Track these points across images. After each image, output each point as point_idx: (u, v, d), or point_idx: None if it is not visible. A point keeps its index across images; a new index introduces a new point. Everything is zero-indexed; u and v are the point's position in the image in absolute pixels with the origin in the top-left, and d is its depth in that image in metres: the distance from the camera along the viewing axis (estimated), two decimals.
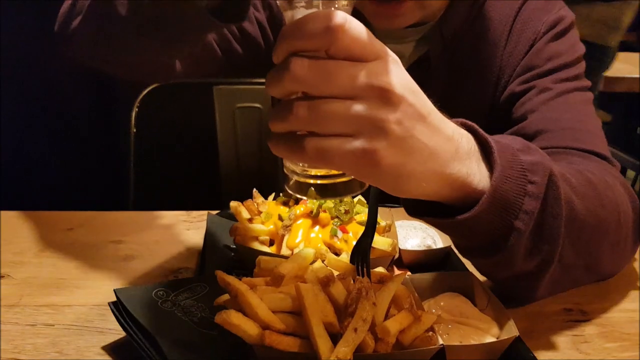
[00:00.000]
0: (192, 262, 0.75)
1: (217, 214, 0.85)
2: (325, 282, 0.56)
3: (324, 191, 0.48)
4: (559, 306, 0.72)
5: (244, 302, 0.53)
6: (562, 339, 0.65)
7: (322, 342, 0.50)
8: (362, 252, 0.60)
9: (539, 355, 0.58)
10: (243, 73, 1.02)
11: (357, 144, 0.43)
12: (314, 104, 0.42)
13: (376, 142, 0.43)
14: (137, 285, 0.62)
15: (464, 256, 0.64)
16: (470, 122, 0.55)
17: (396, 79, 0.44)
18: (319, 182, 0.47)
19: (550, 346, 0.63)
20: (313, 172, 0.47)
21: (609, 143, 0.83)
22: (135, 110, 1.34)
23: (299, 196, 0.49)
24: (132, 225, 0.86)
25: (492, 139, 0.54)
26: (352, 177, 0.48)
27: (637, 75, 2.37)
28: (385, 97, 0.43)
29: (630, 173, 2.88)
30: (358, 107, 0.42)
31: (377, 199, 0.62)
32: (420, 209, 0.56)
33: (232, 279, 0.54)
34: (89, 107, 1.57)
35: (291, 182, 0.49)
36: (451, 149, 0.49)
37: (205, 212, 0.86)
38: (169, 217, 0.89)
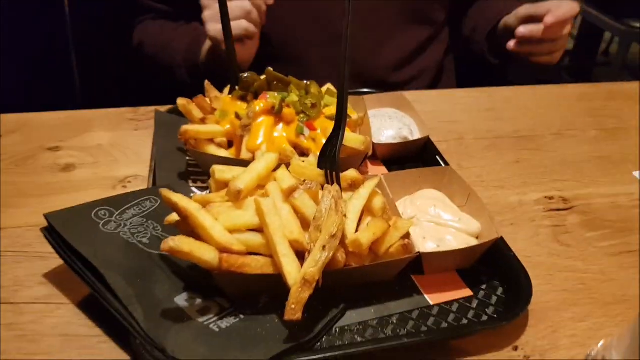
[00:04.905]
0: (143, 169, 0.67)
1: (167, 110, 0.75)
2: (289, 194, 0.49)
3: None
4: (540, 194, 0.68)
5: (195, 224, 0.46)
6: (543, 231, 0.62)
7: (288, 262, 0.45)
8: (330, 156, 0.53)
9: (520, 252, 0.55)
10: None
11: None
12: None
13: None
14: (80, 200, 0.54)
15: None
16: None
17: None
18: None
19: (531, 240, 0.60)
20: None
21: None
22: None
23: None
24: (72, 127, 0.76)
25: None
26: None
27: None
28: None
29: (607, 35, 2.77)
30: None
31: (347, 89, 0.52)
32: None
33: (179, 198, 0.47)
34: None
35: None
36: None
37: (154, 108, 0.76)
38: (112, 115, 0.79)
